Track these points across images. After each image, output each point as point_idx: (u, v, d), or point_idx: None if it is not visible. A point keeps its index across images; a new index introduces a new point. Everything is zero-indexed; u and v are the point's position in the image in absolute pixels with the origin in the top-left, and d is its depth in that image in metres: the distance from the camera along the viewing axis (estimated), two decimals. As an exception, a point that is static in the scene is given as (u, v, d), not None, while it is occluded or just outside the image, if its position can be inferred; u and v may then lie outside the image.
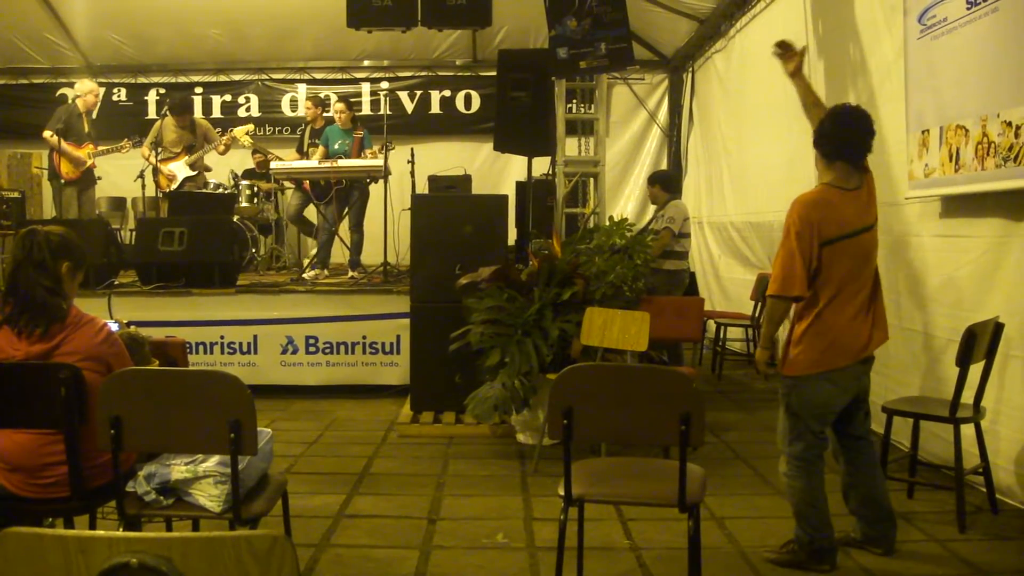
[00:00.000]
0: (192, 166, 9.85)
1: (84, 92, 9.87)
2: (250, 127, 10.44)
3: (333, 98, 12.54)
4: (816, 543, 4.16)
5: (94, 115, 10.29)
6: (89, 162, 9.72)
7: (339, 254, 10.02)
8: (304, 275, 9.35)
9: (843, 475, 4.40)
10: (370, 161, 9.37)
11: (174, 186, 9.82)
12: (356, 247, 9.65)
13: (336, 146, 9.73)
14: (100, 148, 9.80)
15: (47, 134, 9.62)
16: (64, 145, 9.56)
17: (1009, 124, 4.62)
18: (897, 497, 5.03)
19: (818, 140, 4.22)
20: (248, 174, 11.40)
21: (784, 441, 4.24)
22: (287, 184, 10.65)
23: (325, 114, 10.44)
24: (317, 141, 9.99)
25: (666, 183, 8.72)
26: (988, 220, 5.06)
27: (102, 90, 11.51)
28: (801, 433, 4.17)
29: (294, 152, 10.33)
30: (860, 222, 4.08)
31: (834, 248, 4.02)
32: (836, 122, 4.18)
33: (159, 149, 9.80)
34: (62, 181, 9.63)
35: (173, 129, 9.92)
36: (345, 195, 9.48)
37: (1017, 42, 4.56)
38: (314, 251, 10.15)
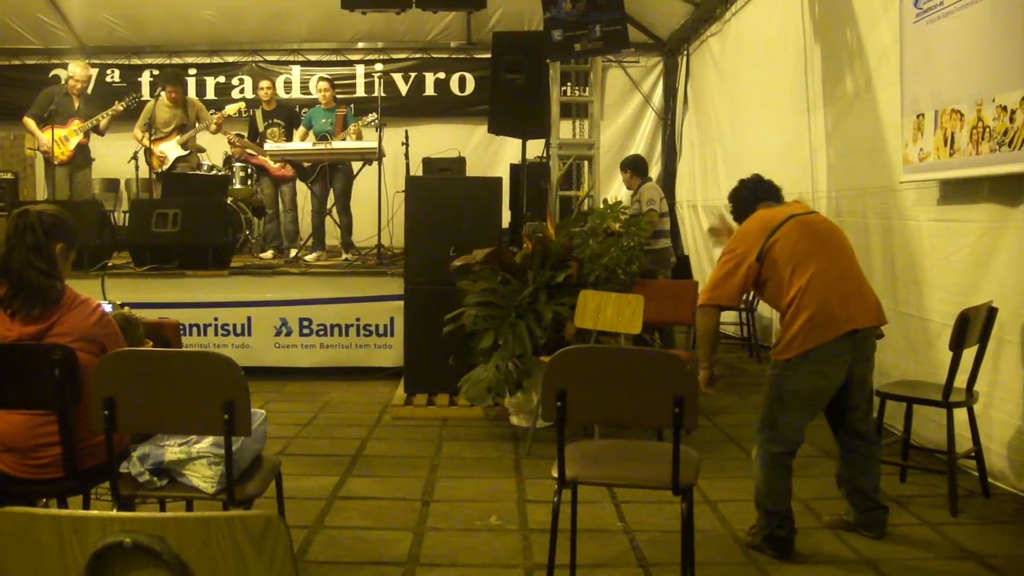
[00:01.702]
0: (184, 146, 9.80)
1: (73, 74, 9.77)
2: (241, 105, 10.40)
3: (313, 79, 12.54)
4: (768, 530, 4.17)
5: (89, 90, 10.21)
6: (78, 137, 9.54)
7: (329, 235, 10.04)
8: (306, 257, 9.37)
9: (838, 464, 4.41)
10: (365, 143, 9.37)
11: (165, 166, 9.77)
12: (347, 228, 9.66)
13: (320, 126, 9.72)
14: (97, 117, 9.61)
15: (26, 120, 9.59)
16: (35, 129, 9.52)
17: (1004, 108, 4.61)
18: (890, 481, 5.06)
19: (736, 214, 4.57)
20: (228, 160, 11.36)
21: (759, 427, 4.22)
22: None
23: (277, 96, 10.49)
24: (278, 121, 9.99)
25: (638, 168, 8.93)
26: (984, 205, 5.05)
27: (94, 72, 11.47)
28: (776, 423, 4.14)
29: (244, 138, 10.30)
30: (790, 211, 4.26)
31: (776, 239, 4.12)
32: (739, 189, 4.60)
33: (152, 130, 9.72)
34: (56, 163, 9.54)
35: (166, 108, 9.85)
36: (329, 176, 9.47)
37: (1013, 26, 4.56)
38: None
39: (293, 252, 9.65)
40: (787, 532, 4.15)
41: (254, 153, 10.12)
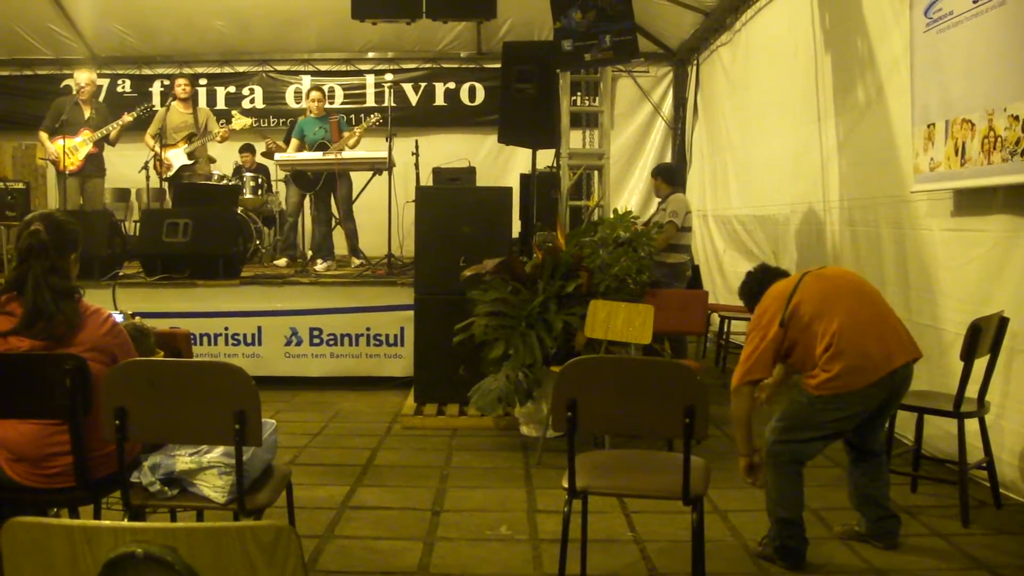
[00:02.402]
0: (190, 155, 9.80)
1: (80, 82, 9.77)
2: (249, 121, 10.42)
3: (306, 86, 12.57)
4: (779, 540, 4.15)
5: (101, 97, 10.21)
6: (87, 148, 9.52)
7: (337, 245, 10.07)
8: (317, 267, 9.37)
9: (848, 475, 4.40)
10: (375, 153, 9.38)
11: (169, 174, 9.77)
12: (352, 235, 9.66)
13: (313, 135, 9.71)
14: (106, 128, 9.58)
15: (40, 134, 9.65)
16: (47, 143, 9.55)
17: (1016, 118, 4.60)
18: (901, 491, 5.04)
19: (749, 303, 4.51)
20: (238, 170, 11.39)
21: (772, 437, 4.20)
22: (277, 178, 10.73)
23: (326, 106, 10.52)
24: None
25: (668, 176, 8.78)
26: (997, 214, 5.04)
27: (105, 82, 11.55)
28: (791, 442, 4.13)
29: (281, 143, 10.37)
30: (802, 272, 4.27)
31: (796, 301, 4.10)
32: (748, 285, 4.57)
33: (163, 137, 9.73)
34: (67, 173, 9.57)
35: (178, 113, 9.87)
36: (333, 185, 9.46)
37: (1023, 36, 4.55)
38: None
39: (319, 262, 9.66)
40: (798, 542, 4.13)
41: (263, 165, 10.15)
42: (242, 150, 11.65)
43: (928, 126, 5.50)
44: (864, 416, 4.09)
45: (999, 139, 4.75)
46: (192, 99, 10.08)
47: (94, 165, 9.76)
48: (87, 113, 9.65)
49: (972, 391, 4.64)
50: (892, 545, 4.31)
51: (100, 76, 12.59)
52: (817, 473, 5.05)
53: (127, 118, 9.68)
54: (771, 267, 4.61)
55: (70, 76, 12.08)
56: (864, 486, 4.32)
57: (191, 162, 9.84)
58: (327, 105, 10.47)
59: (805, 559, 4.13)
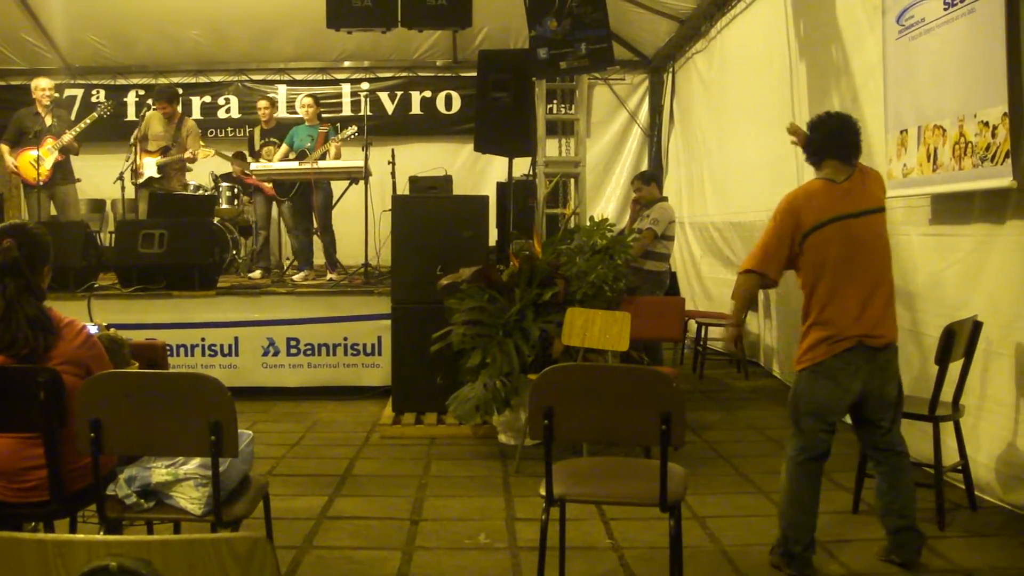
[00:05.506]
0: (160, 168, 9.72)
1: (40, 90, 9.63)
2: (210, 152, 10.39)
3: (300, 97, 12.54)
4: (787, 545, 4.14)
5: (75, 108, 10.06)
6: (52, 156, 9.35)
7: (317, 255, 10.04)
8: (294, 277, 9.34)
9: (876, 482, 4.35)
10: (351, 162, 9.36)
11: (140, 181, 9.68)
12: (330, 246, 9.63)
13: (300, 142, 9.68)
14: (67, 135, 9.40)
15: (1, 146, 9.55)
16: (7, 155, 9.44)
17: (986, 124, 4.65)
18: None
19: (805, 147, 4.36)
20: (226, 177, 11.35)
21: (788, 436, 4.26)
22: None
23: (276, 115, 10.50)
24: (274, 139, 10.01)
25: (661, 184, 8.81)
26: (973, 219, 5.08)
27: (79, 91, 11.44)
28: (797, 432, 4.17)
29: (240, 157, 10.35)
30: (843, 208, 4.11)
31: (817, 236, 4.08)
32: (817, 127, 4.32)
33: (145, 141, 9.64)
34: (40, 185, 9.42)
35: (158, 122, 9.80)
36: (309, 194, 9.42)
37: (993, 42, 4.59)
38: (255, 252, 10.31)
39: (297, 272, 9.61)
40: (806, 551, 4.11)
41: (248, 174, 10.09)
42: (235, 156, 11.66)
43: (901, 132, 5.55)
44: (850, 392, 4.08)
45: (969, 145, 4.80)
46: (171, 115, 9.93)
47: (62, 174, 9.58)
48: (48, 121, 9.47)
49: (949, 395, 4.66)
50: (909, 562, 4.17)
51: (75, 86, 12.56)
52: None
53: (86, 121, 9.57)
54: (842, 134, 4.24)
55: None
56: (883, 493, 4.23)
57: (159, 176, 9.74)
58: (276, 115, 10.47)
59: (810, 566, 4.11)
